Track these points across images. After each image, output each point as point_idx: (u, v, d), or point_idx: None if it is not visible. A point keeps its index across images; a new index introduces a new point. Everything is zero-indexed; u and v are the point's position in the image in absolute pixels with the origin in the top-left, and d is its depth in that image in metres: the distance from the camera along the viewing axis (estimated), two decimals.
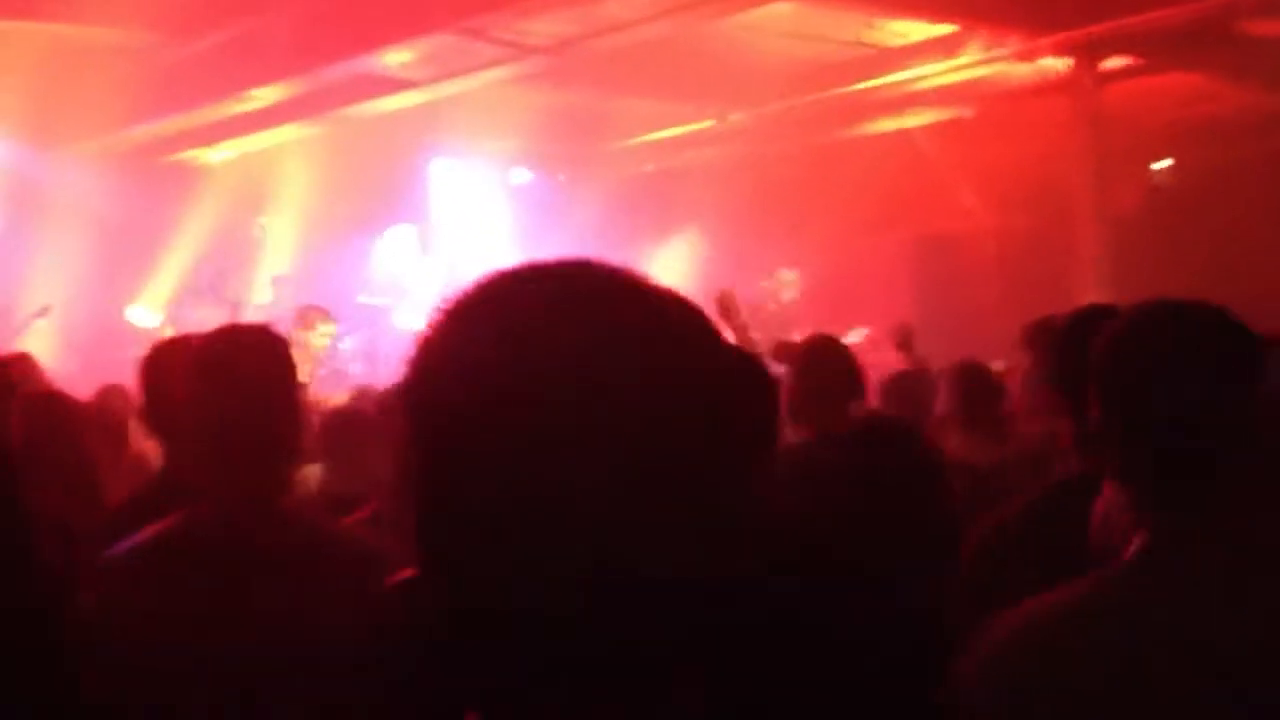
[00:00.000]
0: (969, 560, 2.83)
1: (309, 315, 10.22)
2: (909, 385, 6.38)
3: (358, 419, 4.87)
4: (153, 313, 13.17)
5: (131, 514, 3.25)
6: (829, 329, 11.06)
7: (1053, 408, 2.99)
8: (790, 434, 4.19)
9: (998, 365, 5.67)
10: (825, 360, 4.43)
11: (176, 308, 12.76)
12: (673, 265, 14.81)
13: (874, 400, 5.05)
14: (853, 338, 11.70)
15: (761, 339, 7.28)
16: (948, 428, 5.01)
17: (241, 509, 2.59)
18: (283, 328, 11.33)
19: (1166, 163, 13.51)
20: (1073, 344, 2.78)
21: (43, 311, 11.52)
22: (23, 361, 6.31)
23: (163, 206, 13.44)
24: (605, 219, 14.96)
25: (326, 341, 10.20)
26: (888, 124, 13.33)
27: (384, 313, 13.72)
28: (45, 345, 11.26)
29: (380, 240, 15.18)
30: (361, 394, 6.77)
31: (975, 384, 5.06)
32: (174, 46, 11.27)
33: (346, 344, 12.31)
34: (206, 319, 12.29)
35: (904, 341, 7.91)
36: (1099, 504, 2.06)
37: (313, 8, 10.29)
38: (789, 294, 13.43)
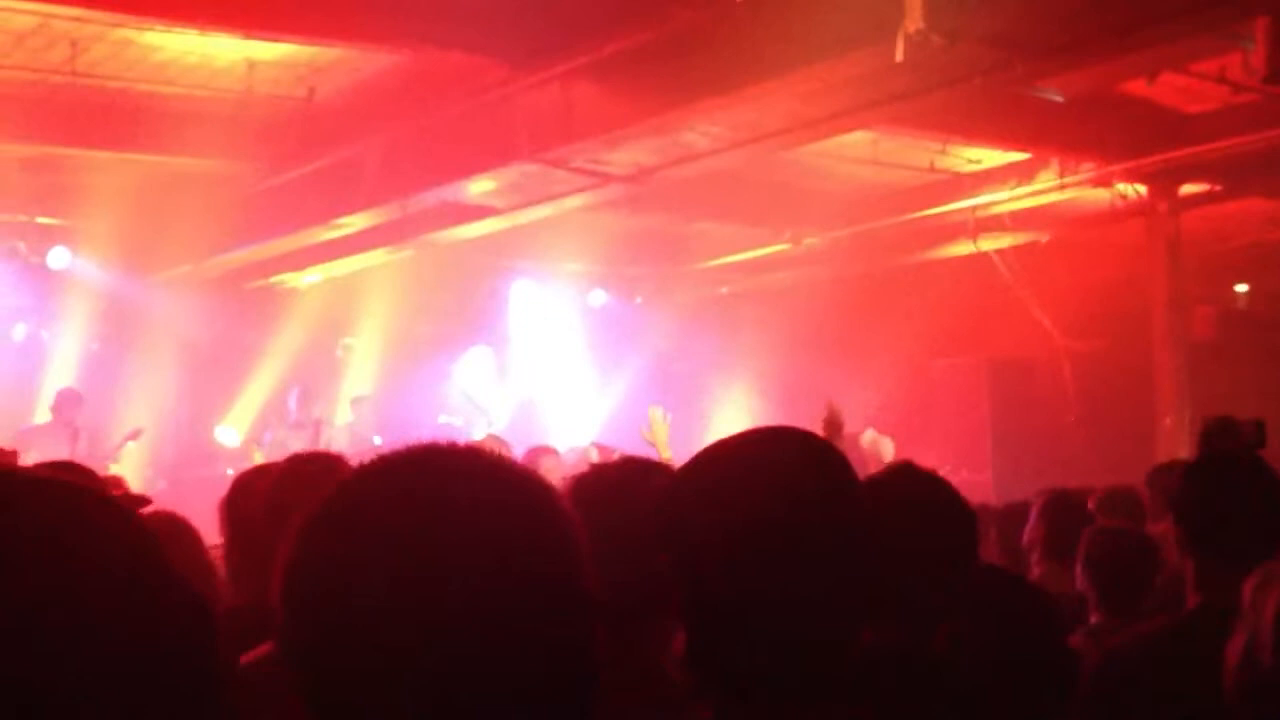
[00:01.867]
0: (1093, 686, 2.90)
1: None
2: None
3: None
4: (238, 433, 13.45)
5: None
6: (904, 451, 11.15)
7: (1178, 542, 3.10)
8: None
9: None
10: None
11: (260, 430, 13.00)
12: (747, 386, 14.94)
13: None
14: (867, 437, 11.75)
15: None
16: (1034, 556, 5.04)
17: None
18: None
19: (1243, 287, 13.51)
20: (1193, 487, 2.97)
21: (134, 434, 11.79)
22: (115, 485, 6.47)
23: (251, 329, 13.82)
24: (681, 340, 15.14)
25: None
26: (962, 248, 13.44)
27: (462, 433, 13.91)
28: (134, 465, 11.58)
29: (459, 361, 15.43)
30: None
31: (1064, 514, 5.08)
32: (267, 176, 11.65)
33: None
34: (288, 441, 12.55)
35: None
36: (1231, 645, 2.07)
37: (400, 140, 10.62)
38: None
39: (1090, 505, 5.35)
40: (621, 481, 2.78)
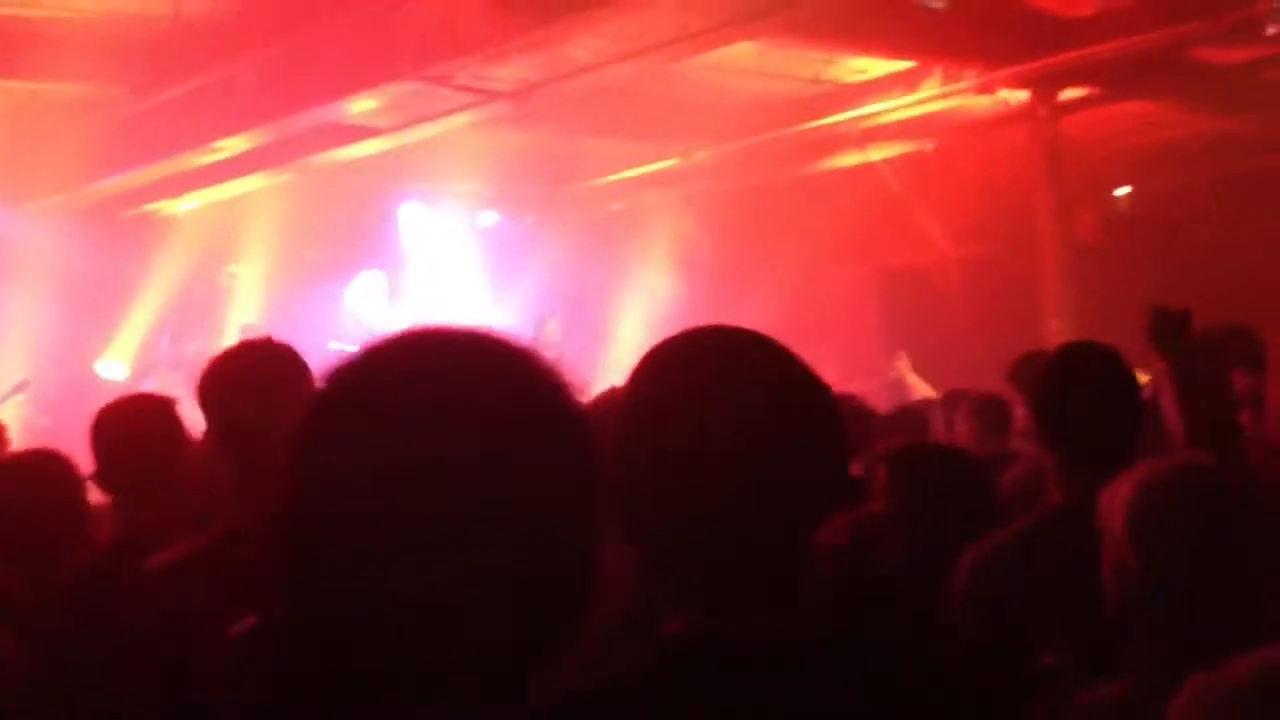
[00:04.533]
0: (965, 580, 2.93)
1: None
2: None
3: None
4: (122, 366, 13.13)
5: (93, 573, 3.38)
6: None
7: (1037, 438, 3.13)
8: None
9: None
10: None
11: (141, 376, 12.68)
12: (641, 303, 14.91)
13: None
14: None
15: None
16: None
17: None
18: None
19: (1125, 189, 13.70)
20: (1051, 380, 3.00)
21: (21, 387, 11.47)
22: None
23: (130, 259, 13.42)
24: (574, 259, 15.03)
25: None
26: (850, 158, 13.45)
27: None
28: (15, 402, 11.27)
29: (350, 286, 15.19)
30: None
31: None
32: (138, 100, 11.27)
33: None
34: (170, 386, 12.28)
35: None
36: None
37: (276, 58, 10.32)
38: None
39: (967, 408, 5.42)
40: None
